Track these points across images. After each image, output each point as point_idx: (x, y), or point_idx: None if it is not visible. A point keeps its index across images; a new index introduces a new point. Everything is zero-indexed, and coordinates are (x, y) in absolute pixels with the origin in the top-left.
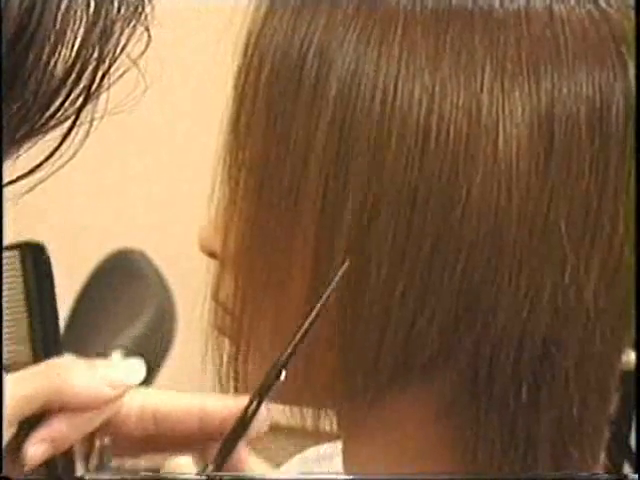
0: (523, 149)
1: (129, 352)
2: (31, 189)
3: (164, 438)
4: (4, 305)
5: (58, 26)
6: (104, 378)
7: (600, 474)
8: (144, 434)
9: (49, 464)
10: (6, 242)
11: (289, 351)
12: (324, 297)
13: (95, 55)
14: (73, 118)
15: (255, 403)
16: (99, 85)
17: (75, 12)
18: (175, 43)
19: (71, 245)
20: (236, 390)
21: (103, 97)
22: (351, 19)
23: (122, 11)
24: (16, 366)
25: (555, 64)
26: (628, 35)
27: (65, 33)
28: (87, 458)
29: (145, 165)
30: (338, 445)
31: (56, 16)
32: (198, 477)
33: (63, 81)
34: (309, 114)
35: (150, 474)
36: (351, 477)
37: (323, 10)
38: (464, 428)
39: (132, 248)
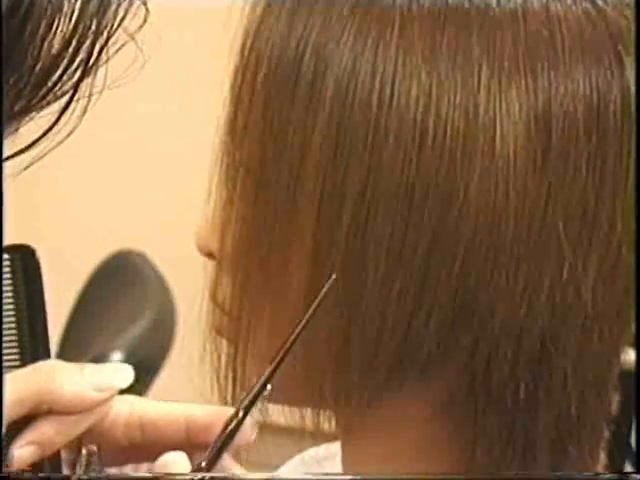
0: (520, 147)
1: (129, 353)
2: (30, 164)
3: (150, 446)
4: None
5: None
6: (91, 381)
7: (602, 473)
8: (130, 442)
9: (36, 469)
10: (7, 242)
11: (274, 366)
12: (309, 312)
13: (92, 28)
14: (71, 92)
15: (241, 414)
16: (97, 59)
17: None
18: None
19: (71, 246)
20: (234, 391)
21: (101, 71)
22: (347, 18)
23: None
24: (4, 370)
25: (552, 62)
26: (625, 33)
27: (62, 6)
28: (73, 465)
29: (144, 166)
30: (338, 445)
31: None
32: (196, 477)
33: (60, 55)
34: (306, 114)
35: (148, 474)
36: (351, 477)
37: (319, 10)
38: (462, 427)
39: (132, 249)
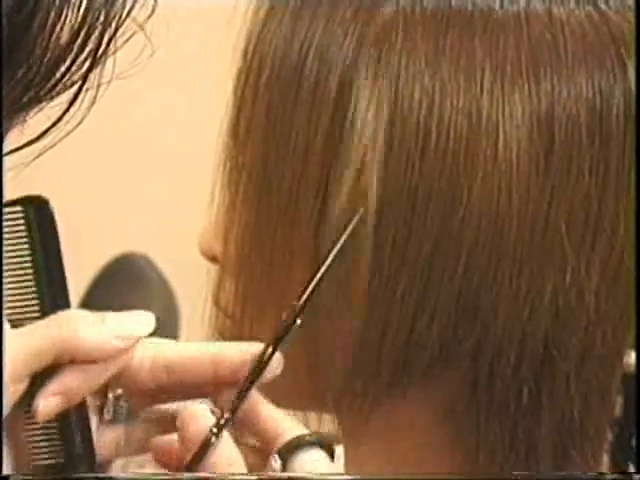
0: (523, 151)
1: None
2: (39, 155)
3: (177, 387)
4: (7, 262)
5: None
6: (113, 330)
7: (606, 474)
8: (157, 385)
9: (62, 419)
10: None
11: (304, 300)
12: (341, 240)
13: (101, 19)
14: (80, 83)
15: (270, 348)
16: (105, 49)
17: None
18: (174, 47)
19: (74, 249)
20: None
21: (109, 62)
22: (350, 21)
23: None
24: (25, 322)
25: (555, 66)
26: (628, 37)
27: None
28: (101, 411)
29: (147, 169)
30: (341, 449)
31: None
32: (193, 478)
33: (69, 45)
34: (309, 117)
35: (151, 473)
36: (351, 477)
37: (322, 13)
38: (465, 432)
39: (135, 252)
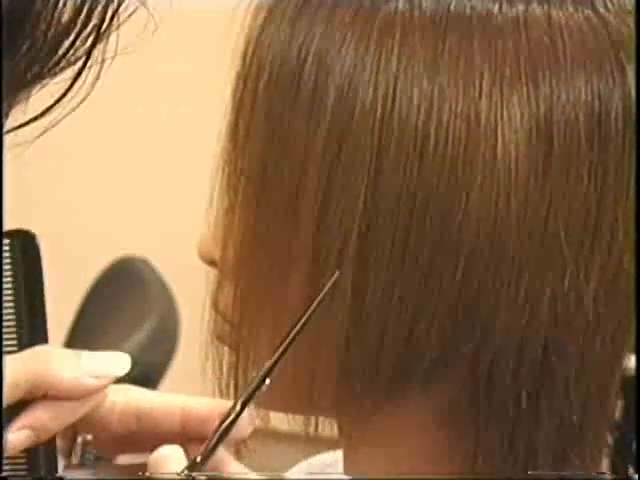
0: (522, 155)
1: (132, 360)
2: (43, 133)
3: (145, 437)
4: None
5: None
6: (88, 368)
7: (606, 474)
8: (125, 431)
9: (30, 456)
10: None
11: (274, 359)
12: (312, 307)
13: None
14: (84, 59)
15: (239, 406)
16: (109, 24)
17: None
18: (172, 51)
19: (74, 253)
20: (236, 398)
21: (113, 37)
22: (349, 26)
23: None
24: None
25: (553, 70)
26: (627, 41)
27: None
28: (69, 454)
29: (147, 174)
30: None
31: None
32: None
33: (73, 21)
34: (307, 121)
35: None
36: (351, 478)
37: (321, 17)
38: (463, 436)
39: (135, 256)
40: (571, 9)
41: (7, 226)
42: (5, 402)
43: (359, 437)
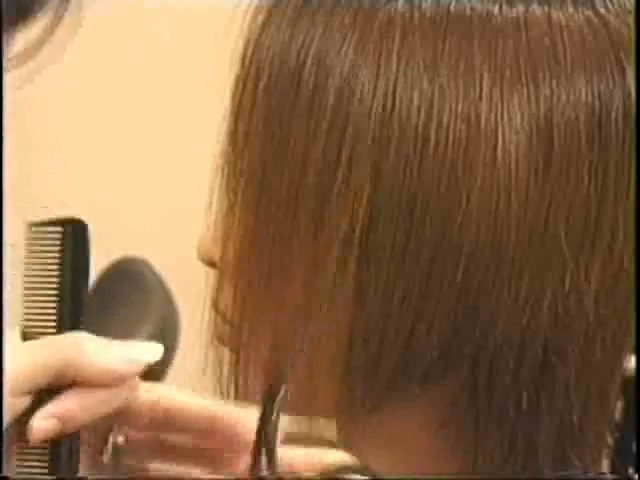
0: (522, 156)
1: None
2: (32, 75)
3: (174, 441)
4: (34, 275)
5: None
6: (119, 354)
7: (606, 474)
8: (155, 427)
9: (52, 451)
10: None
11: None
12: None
13: None
14: None
15: (275, 414)
16: None
17: None
18: (172, 53)
19: None
20: (236, 399)
21: None
22: (349, 27)
23: None
24: (38, 337)
25: (554, 71)
26: (627, 41)
27: None
28: (100, 454)
29: (146, 174)
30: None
31: None
32: None
33: None
34: (307, 123)
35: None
36: (352, 477)
37: (320, 19)
38: (464, 437)
39: (134, 257)
40: (571, 10)
41: (7, 226)
42: (34, 386)
43: (358, 438)
